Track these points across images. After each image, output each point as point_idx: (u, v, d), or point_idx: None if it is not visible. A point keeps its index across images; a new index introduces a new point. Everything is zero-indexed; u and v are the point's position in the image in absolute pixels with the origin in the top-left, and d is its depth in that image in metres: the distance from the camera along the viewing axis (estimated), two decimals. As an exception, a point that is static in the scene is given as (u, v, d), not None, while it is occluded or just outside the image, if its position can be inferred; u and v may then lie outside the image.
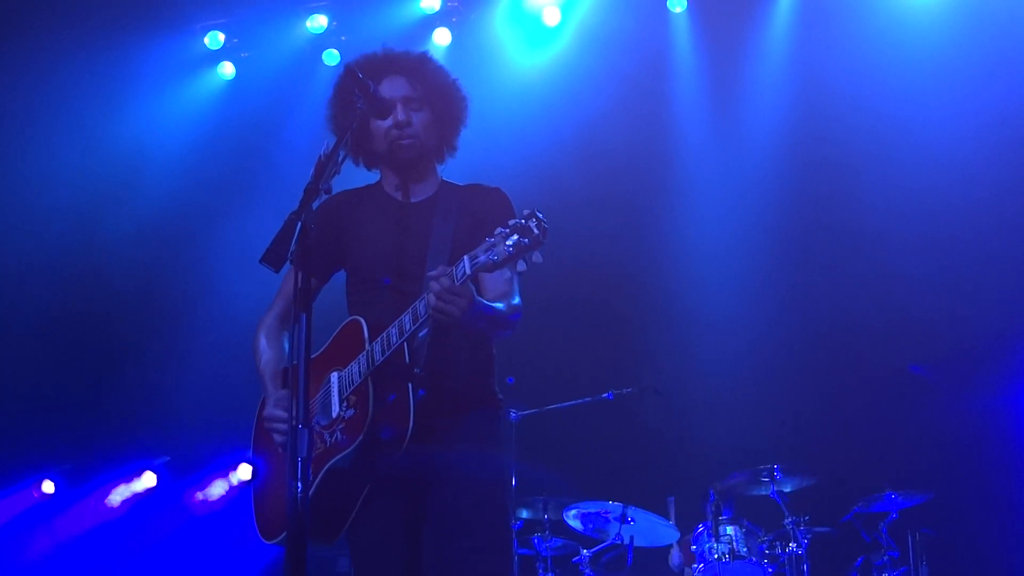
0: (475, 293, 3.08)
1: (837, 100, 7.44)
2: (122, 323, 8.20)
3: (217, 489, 8.39)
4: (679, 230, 7.83)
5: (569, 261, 6.70)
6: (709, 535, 6.25)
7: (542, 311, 4.22)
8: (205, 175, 8.03)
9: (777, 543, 6.31)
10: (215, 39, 8.11)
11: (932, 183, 7.14)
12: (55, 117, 7.83)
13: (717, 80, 7.78)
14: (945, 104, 7.16)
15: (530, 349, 5.81)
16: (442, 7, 7.93)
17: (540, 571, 6.53)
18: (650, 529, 6.60)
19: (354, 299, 3.54)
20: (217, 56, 8.21)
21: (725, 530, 6.26)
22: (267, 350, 3.55)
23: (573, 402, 6.74)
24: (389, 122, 3.47)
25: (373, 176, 3.69)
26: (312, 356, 2.81)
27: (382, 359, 3.16)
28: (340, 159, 3.11)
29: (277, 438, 3.37)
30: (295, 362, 2.74)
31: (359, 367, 3.23)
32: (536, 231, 2.88)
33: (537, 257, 2.89)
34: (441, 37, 7.92)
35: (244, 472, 8.25)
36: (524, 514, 6.67)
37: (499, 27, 7.97)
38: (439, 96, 3.58)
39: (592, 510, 6.53)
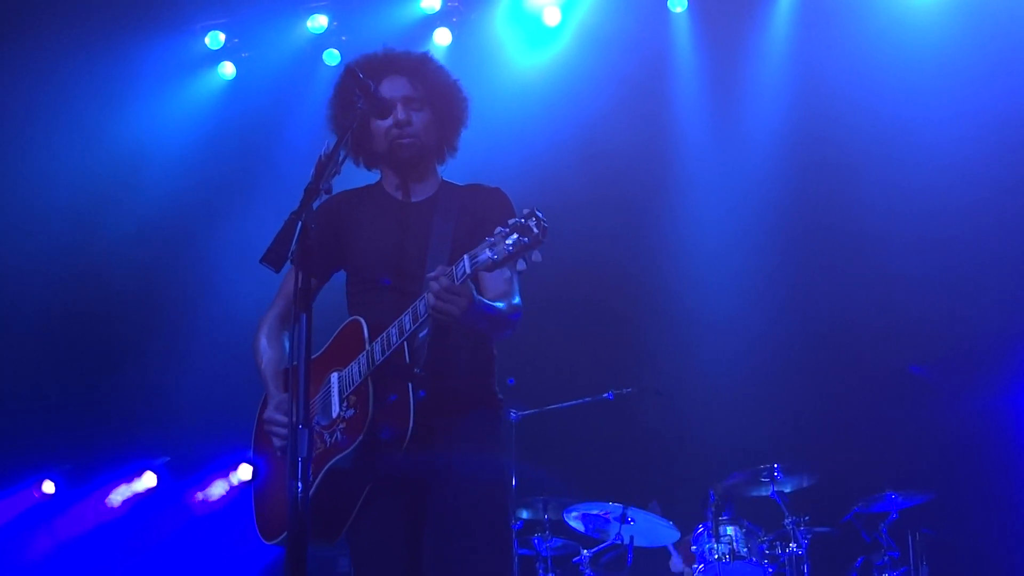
0: (475, 292, 3.07)
1: (837, 100, 7.44)
2: (122, 323, 8.21)
3: (217, 489, 8.40)
4: (679, 230, 7.84)
5: (569, 261, 6.70)
6: (709, 535, 6.26)
7: (542, 311, 4.22)
8: (205, 175, 8.03)
9: (777, 543, 6.31)
10: (215, 39, 8.13)
11: (932, 183, 7.14)
12: (55, 117, 7.83)
13: (717, 80, 7.79)
14: (945, 104, 7.17)
15: (530, 349, 5.81)
16: (442, 7, 7.93)
17: (540, 571, 6.53)
18: (650, 529, 6.61)
19: (354, 299, 3.53)
20: (217, 56, 8.22)
21: (725, 530, 6.27)
22: (268, 350, 3.55)
23: (573, 402, 6.75)
24: (389, 122, 3.47)
25: (373, 176, 3.69)
26: (312, 356, 2.82)
27: (382, 359, 3.15)
28: (340, 159, 3.11)
29: (277, 442, 3.37)
30: (295, 362, 2.75)
31: (359, 367, 3.22)
32: (536, 230, 2.88)
33: (537, 256, 2.89)
34: (441, 37, 7.93)
35: (244, 472, 8.25)
36: (524, 514, 6.67)
37: (499, 27, 7.98)
38: (440, 96, 3.58)
39: (592, 511, 6.53)
